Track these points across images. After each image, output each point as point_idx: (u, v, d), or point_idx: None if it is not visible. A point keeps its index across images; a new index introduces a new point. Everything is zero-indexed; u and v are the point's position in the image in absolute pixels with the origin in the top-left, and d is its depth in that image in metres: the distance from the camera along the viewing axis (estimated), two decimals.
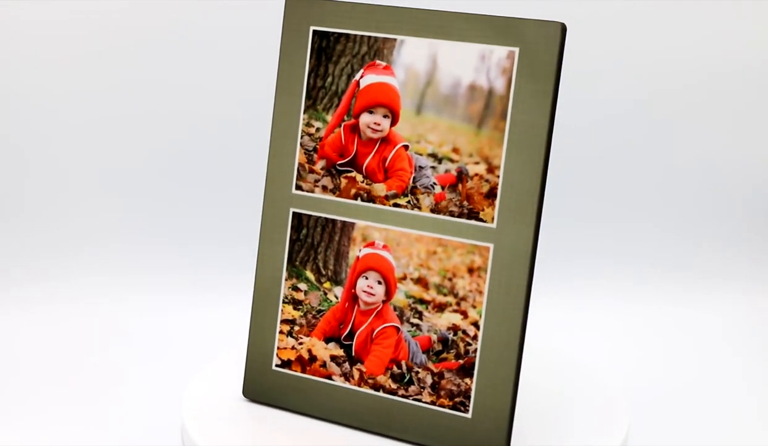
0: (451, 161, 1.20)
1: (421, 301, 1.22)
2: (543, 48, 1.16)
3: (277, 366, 1.29)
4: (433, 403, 1.22)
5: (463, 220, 1.20)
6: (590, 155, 2.25)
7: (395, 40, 1.22)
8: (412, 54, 1.22)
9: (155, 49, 2.19)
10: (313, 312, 1.27)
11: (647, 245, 2.24)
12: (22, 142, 2.15)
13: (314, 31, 1.26)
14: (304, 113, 1.27)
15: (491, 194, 1.18)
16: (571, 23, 2.32)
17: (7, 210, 2.14)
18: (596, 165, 2.24)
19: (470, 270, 1.20)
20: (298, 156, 1.27)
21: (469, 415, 1.20)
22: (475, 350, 1.20)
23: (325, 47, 1.25)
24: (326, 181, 1.26)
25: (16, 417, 1.72)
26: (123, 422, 1.71)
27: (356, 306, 1.25)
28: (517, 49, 1.17)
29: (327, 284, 1.26)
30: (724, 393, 1.91)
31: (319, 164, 1.26)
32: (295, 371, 1.28)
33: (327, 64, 1.25)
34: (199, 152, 2.23)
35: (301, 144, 1.27)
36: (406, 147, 1.22)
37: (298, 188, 1.27)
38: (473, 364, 1.20)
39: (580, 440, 1.30)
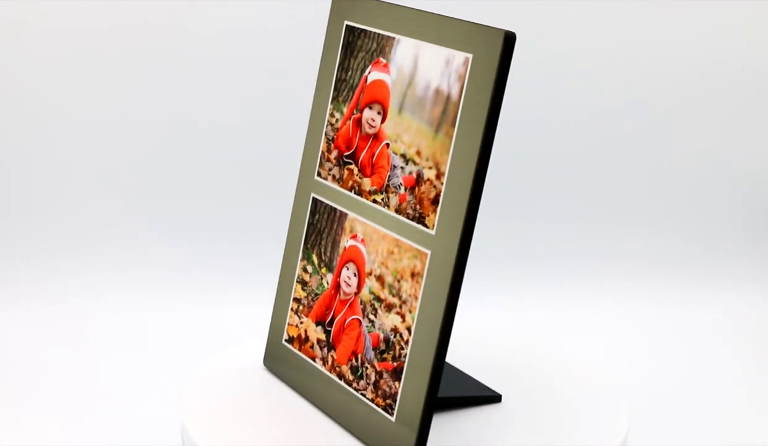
0: (415, 163, 1.20)
1: (378, 299, 1.23)
2: (487, 56, 1.13)
3: (285, 340, 1.36)
4: (372, 401, 1.23)
5: (414, 223, 1.19)
6: (588, 155, 2.20)
7: (394, 38, 1.24)
8: (403, 54, 1.23)
9: (168, 45, 2.18)
10: (312, 295, 1.32)
11: (648, 246, 2.22)
12: (27, 141, 2.17)
13: (346, 26, 1.30)
14: (331, 103, 1.32)
15: (436, 201, 1.17)
16: (567, 23, 2.17)
17: (11, 210, 2.16)
18: (594, 166, 2.21)
19: (412, 274, 1.19)
20: (322, 145, 1.33)
21: (393, 419, 1.20)
22: (406, 355, 1.19)
23: (350, 42, 1.30)
24: (336, 170, 1.30)
25: (15, 417, 1.74)
26: (123, 422, 1.72)
27: (338, 295, 1.29)
28: (471, 56, 1.14)
29: (323, 270, 1.31)
30: (724, 393, 1.87)
31: (333, 154, 1.31)
32: (295, 348, 1.34)
33: (350, 58, 1.30)
34: (200, 154, 2.20)
35: (324, 133, 1.32)
36: (387, 145, 1.24)
37: (319, 174, 1.33)
38: (403, 368, 1.19)
39: (580, 440, 1.28)
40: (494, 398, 1.35)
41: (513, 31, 1.12)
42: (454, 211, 1.14)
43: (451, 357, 1.44)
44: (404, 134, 1.21)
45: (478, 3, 2.05)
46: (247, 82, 2.22)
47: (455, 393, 1.34)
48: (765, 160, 2.27)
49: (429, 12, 1.20)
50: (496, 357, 1.47)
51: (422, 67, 1.20)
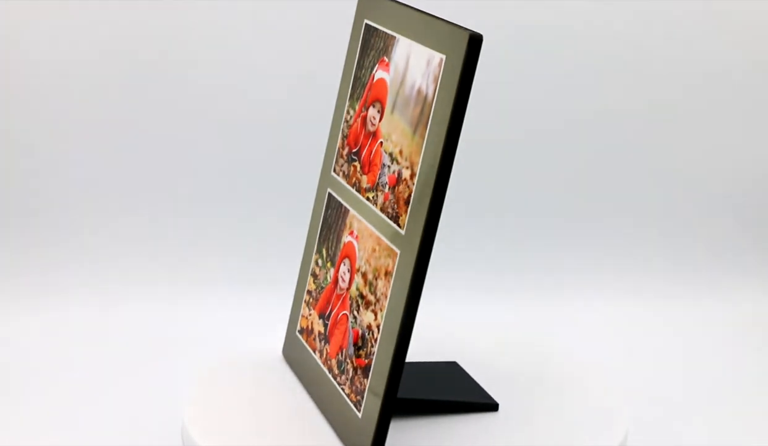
0: (398, 163, 1.21)
1: (361, 295, 1.24)
2: (455, 57, 1.12)
3: (298, 331, 1.38)
4: (348, 396, 1.24)
5: (391, 222, 1.19)
6: (589, 157, 2.18)
7: (395, 37, 1.24)
8: (400, 53, 1.23)
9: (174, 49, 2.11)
10: (320, 288, 1.34)
11: (648, 247, 2.21)
12: (36, 139, 2.12)
13: (365, 24, 1.32)
14: (348, 101, 1.34)
15: (408, 201, 1.17)
16: (567, 23, 2.13)
17: (15, 211, 2.13)
18: (594, 167, 2.20)
19: (386, 273, 1.19)
20: (339, 141, 1.34)
21: (360, 415, 1.21)
22: (374, 353, 1.20)
23: (366, 40, 1.31)
24: (345, 167, 1.32)
25: (16, 417, 1.74)
26: (123, 422, 1.70)
27: (335, 289, 1.30)
28: (444, 57, 1.14)
29: (328, 264, 1.33)
30: (723, 394, 1.85)
31: (345, 151, 1.32)
32: (303, 339, 1.36)
33: (364, 56, 1.31)
34: (204, 153, 2.14)
35: (341, 130, 1.34)
36: (381, 143, 1.24)
37: (334, 170, 1.35)
38: (371, 366, 1.20)
39: (580, 440, 1.28)
40: (491, 406, 1.33)
41: (479, 32, 1.10)
42: (420, 212, 1.14)
43: (454, 357, 1.43)
44: (393, 133, 1.22)
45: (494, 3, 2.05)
46: (262, 85, 2.20)
47: (451, 397, 1.33)
48: (764, 160, 2.27)
49: (420, 11, 1.20)
50: (496, 357, 1.47)
51: (411, 67, 1.20)
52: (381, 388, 1.17)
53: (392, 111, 1.22)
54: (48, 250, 2.10)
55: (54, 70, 2.05)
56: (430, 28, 1.17)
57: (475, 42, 1.10)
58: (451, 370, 1.40)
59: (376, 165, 1.24)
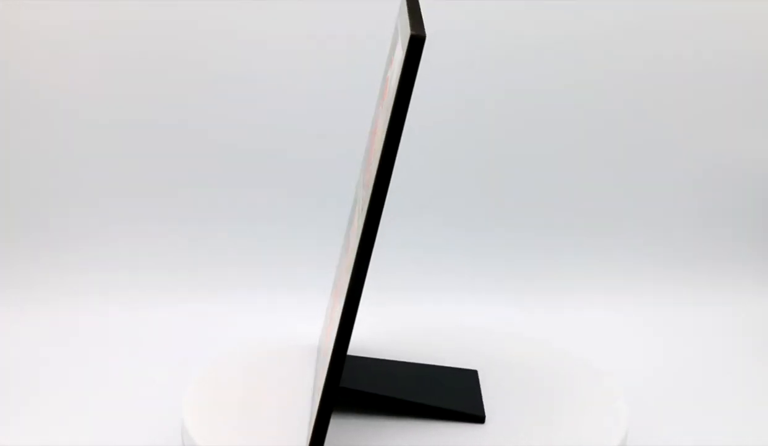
0: (377, 162, 1.22)
1: (343, 290, 1.26)
2: (404, 56, 1.12)
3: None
4: (320, 387, 1.26)
5: (363, 220, 1.21)
6: (592, 155, 2.14)
7: (399, 37, 1.25)
8: (398, 52, 1.24)
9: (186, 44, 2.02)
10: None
11: (647, 245, 2.17)
12: (41, 139, 2.05)
13: (396, 26, 1.33)
14: (378, 100, 1.35)
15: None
16: (570, 25, 2.03)
17: (16, 207, 2.07)
18: (598, 165, 2.14)
19: (349, 268, 1.21)
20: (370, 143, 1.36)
21: (318, 406, 1.23)
22: (331, 346, 1.22)
23: (394, 40, 1.32)
24: (366, 166, 1.34)
25: (15, 417, 1.71)
26: (123, 422, 1.67)
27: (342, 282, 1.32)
28: (404, 55, 1.15)
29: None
30: (724, 393, 1.83)
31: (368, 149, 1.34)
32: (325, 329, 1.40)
33: (390, 56, 1.33)
34: (209, 151, 2.06)
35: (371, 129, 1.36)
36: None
37: (363, 168, 1.37)
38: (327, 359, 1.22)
39: (580, 440, 1.28)
40: (477, 418, 1.30)
41: (421, 33, 1.09)
42: (365, 211, 1.15)
43: (457, 359, 1.43)
44: (381, 133, 1.22)
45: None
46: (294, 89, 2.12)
47: (440, 404, 1.31)
48: (765, 160, 2.16)
49: (413, 10, 1.20)
50: (495, 354, 1.47)
51: (395, 67, 1.20)
52: (322, 381, 1.18)
53: (388, 110, 1.23)
54: (50, 248, 2.10)
55: (60, 68, 2.10)
56: (406, 27, 1.16)
57: (416, 41, 1.09)
58: (465, 378, 1.38)
59: (371, 164, 1.25)
